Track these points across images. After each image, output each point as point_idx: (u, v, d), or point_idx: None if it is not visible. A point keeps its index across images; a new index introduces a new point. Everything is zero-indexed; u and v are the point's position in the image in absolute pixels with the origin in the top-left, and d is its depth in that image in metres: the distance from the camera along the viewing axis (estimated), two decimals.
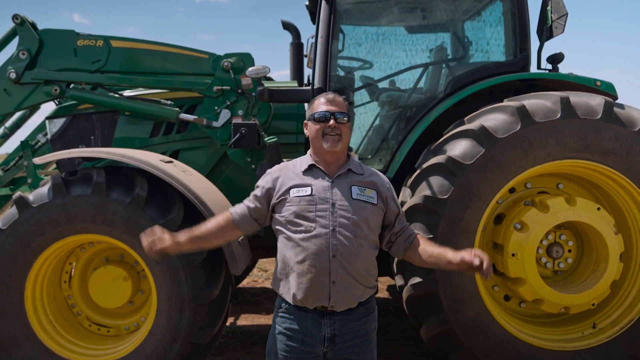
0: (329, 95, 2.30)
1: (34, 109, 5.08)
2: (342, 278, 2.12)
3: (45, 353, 3.35)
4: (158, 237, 2.22)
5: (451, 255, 2.19)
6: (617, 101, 3.52)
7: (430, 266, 2.34)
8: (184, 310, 3.23)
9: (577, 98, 3.37)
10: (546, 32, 4.01)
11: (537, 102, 3.35)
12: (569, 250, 3.55)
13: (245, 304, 5.62)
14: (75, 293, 3.63)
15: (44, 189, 3.29)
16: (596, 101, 3.35)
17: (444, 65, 4.33)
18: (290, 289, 2.19)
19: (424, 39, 4.48)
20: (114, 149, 3.66)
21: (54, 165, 5.50)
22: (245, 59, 4.10)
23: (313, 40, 4.46)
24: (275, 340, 2.25)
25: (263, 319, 5.23)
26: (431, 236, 3.25)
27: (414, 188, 3.41)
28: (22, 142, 4.98)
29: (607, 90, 3.72)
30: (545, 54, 4.13)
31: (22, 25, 3.98)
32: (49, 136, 4.48)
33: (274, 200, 2.25)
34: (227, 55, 4.12)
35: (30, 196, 3.28)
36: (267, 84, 4.26)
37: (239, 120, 4.04)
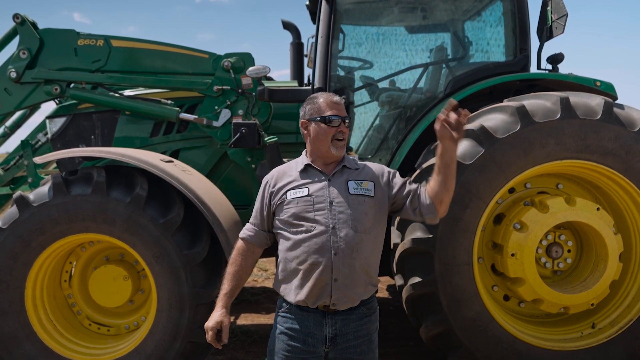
0: (335, 97, 2.28)
1: (34, 108, 5.10)
2: (344, 275, 2.12)
3: (46, 352, 3.35)
4: (222, 329, 2.27)
5: (437, 151, 2.20)
6: (617, 101, 3.53)
7: (448, 179, 2.21)
8: (184, 310, 3.24)
9: (576, 98, 3.37)
10: (546, 33, 4.02)
11: (537, 103, 3.35)
12: (569, 251, 3.56)
13: (245, 304, 5.63)
14: (75, 292, 3.63)
15: (44, 188, 3.29)
16: (596, 101, 3.35)
17: (444, 65, 4.33)
18: (292, 289, 2.20)
19: (424, 39, 4.48)
20: (114, 149, 3.67)
21: (54, 165, 5.51)
22: (246, 59, 4.11)
23: (313, 40, 4.46)
24: (276, 340, 2.25)
25: (263, 319, 5.23)
26: (430, 236, 3.26)
27: None
28: (22, 141, 4.98)
29: (606, 90, 3.72)
30: (545, 54, 4.13)
31: (22, 25, 3.99)
32: (49, 135, 4.49)
33: (273, 205, 2.27)
34: (228, 55, 4.13)
35: (31, 195, 3.29)
36: (267, 84, 4.26)
37: (239, 120, 4.05)
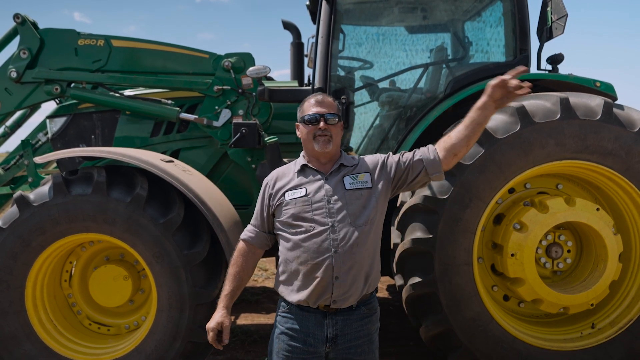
0: (318, 96, 2.31)
1: (34, 108, 5.10)
2: (344, 272, 2.13)
3: (46, 352, 3.35)
4: (223, 330, 2.27)
5: (477, 104, 2.20)
6: (616, 102, 3.53)
7: (472, 137, 2.22)
8: (184, 309, 3.24)
9: (576, 99, 3.38)
10: (546, 33, 4.02)
11: (537, 103, 3.36)
12: (568, 251, 3.56)
13: (245, 304, 5.63)
14: (75, 292, 3.63)
15: (44, 188, 3.29)
16: (595, 102, 3.36)
17: (444, 66, 4.33)
18: (293, 290, 2.21)
19: (424, 39, 4.49)
20: (115, 149, 3.67)
21: (55, 165, 5.51)
22: (246, 59, 4.11)
23: (313, 40, 4.47)
24: (277, 340, 2.25)
25: (263, 318, 5.23)
26: (430, 236, 3.26)
27: None
28: (22, 141, 4.99)
29: (606, 91, 3.72)
30: (545, 54, 4.13)
31: (23, 25, 3.99)
32: (49, 135, 4.49)
33: (272, 207, 2.28)
34: (228, 55, 4.13)
35: (31, 195, 3.29)
36: (267, 84, 4.27)
37: (240, 120, 4.05)
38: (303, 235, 2.17)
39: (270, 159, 3.87)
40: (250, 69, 3.87)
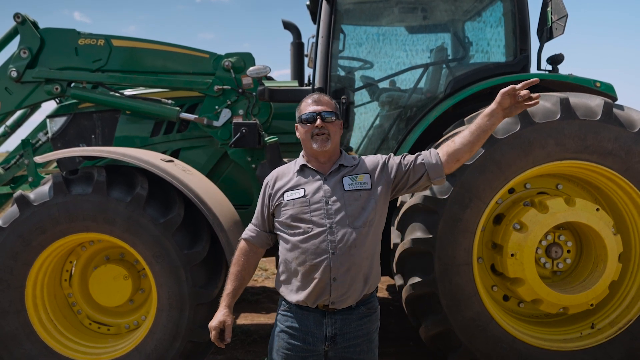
0: (315, 95, 2.31)
1: (34, 107, 5.09)
2: (343, 273, 2.13)
3: (46, 351, 3.36)
4: (225, 329, 2.26)
5: (486, 111, 2.20)
6: (616, 102, 3.53)
7: (477, 144, 2.24)
8: (184, 309, 3.25)
9: (576, 99, 3.38)
10: (546, 33, 4.02)
11: None
12: (568, 251, 3.56)
13: (245, 303, 5.63)
14: (75, 291, 3.63)
15: (44, 188, 3.29)
16: (595, 102, 3.36)
17: (444, 66, 4.33)
18: (292, 290, 2.21)
19: (424, 39, 4.49)
20: (115, 148, 3.67)
21: (55, 164, 5.51)
22: (246, 59, 4.11)
23: (314, 40, 4.47)
24: (276, 338, 2.26)
25: (263, 318, 5.24)
26: (430, 236, 3.26)
27: None
28: (22, 140, 4.98)
29: (606, 91, 3.73)
30: (545, 54, 4.13)
31: (23, 24, 3.99)
32: (49, 135, 4.49)
33: (272, 207, 2.28)
34: (228, 55, 4.13)
35: (31, 195, 3.29)
36: (267, 84, 4.27)
37: (240, 120, 4.05)
38: (301, 237, 2.17)
39: (270, 158, 3.87)
40: (251, 68, 3.87)
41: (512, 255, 3.33)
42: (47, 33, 4.04)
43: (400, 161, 2.31)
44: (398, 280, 3.53)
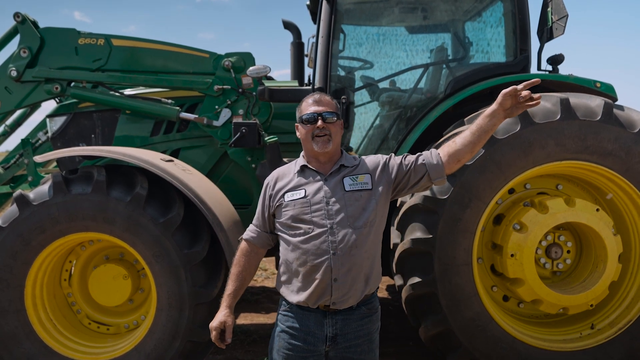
0: (316, 95, 2.29)
1: (34, 107, 5.09)
2: (344, 273, 2.13)
3: (45, 351, 3.36)
4: (226, 329, 2.27)
5: (487, 111, 2.19)
6: (616, 102, 3.53)
7: (477, 144, 2.24)
8: (183, 309, 3.24)
9: (576, 99, 3.38)
10: (546, 34, 4.02)
11: None
12: (568, 251, 3.56)
13: (244, 303, 5.63)
14: (75, 291, 3.63)
15: (44, 187, 3.29)
16: (596, 102, 3.36)
17: (444, 66, 4.33)
18: (292, 290, 2.21)
19: (424, 39, 4.49)
20: (115, 148, 3.67)
21: (55, 164, 5.51)
22: (246, 58, 4.11)
23: (314, 39, 4.47)
24: (277, 338, 2.26)
25: (262, 318, 5.23)
26: (430, 236, 3.26)
27: None
28: (22, 140, 4.98)
29: (606, 91, 3.73)
30: (545, 54, 4.13)
31: (23, 24, 3.99)
32: (49, 134, 4.49)
33: (272, 208, 2.28)
34: (228, 55, 4.13)
35: (31, 194, 3.29)
36: (267, 84, 4.27)
37: (240, 120, 4.05)
38: (302, 237, 2.16)
39: (270, 158, 3.87)
40: (251, 68, 3.86)
41: (512, 255, 3.33)
42: (47, 32, 4.03)
43: (401, 161, 2.30)
44: (398, 281, 3.53)
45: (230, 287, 2.31)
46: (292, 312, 2.22)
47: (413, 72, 4.29)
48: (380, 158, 2.32)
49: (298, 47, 4.61)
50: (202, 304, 3.27)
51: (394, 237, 3.49)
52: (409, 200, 3.39)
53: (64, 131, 4.35)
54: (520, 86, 2.18)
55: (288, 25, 4.58)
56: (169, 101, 4.22)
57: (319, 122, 2.20)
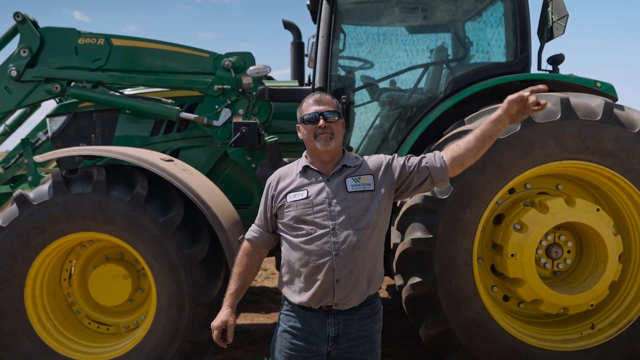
0: (316, 95, 2.28)
1: (34, 106, 5.09)
2: (346, 274, 2.12)
3: (45, 351, 3.36)
4: (227, 329, 2.26)
5: (492, 117, 2.17)
6: (617, 102, 3.53)
7: (482, 149, 2.22)
8: (183, 309, 3.24)
9: (577, 99, 3.37)
10: (547, 33, 4.01)
11: None
12: (568, 251, 3.56)
13: (244, 303, 5.62)
14: (75, 291, 3.63)
15: (44, 187, 3.29)
16: (596, 102, 3.36)
17: (444, 66, 4.33)
18: (295, 291, 2.20)
19: (424, 39, 4.49)
20: (115, 148, 3.67)
21: (55, 163, 5.51)
22: (246, 58, 4.11)
23: (314, 39, 4.46)
24: (279, 337, 2.26)
25: (262, 318, 5.23)
26: (430, 236, 3.26)
27: None
28: (22, 139, 4.98)
29: (607, 91, 3.73)
30: (545, 54, 4.13)
31: (23, 23, 3.99)
32: (49, 134, 4.49)
33: (275, 208, 2.28)
34: (228, 54, 4.13)
35: (31, 194, 3.29)
36: (267, 83, 4.27)
37: (240, 120, 4.05)
38: (304, 238, 2.16)
39: (270, 158, 3.87)
40: (251, 68, 3.86)
41: (512, 255, 3.33)
42: (47, 32, 4.03)
43: (404, 163, 2.29)
44: (398, 281, 3.53)
45: (232, 287, 2.31)
46: (295, 312, 2.22)
47: (413, 72, 4.29)
48: (383, 158, 2.31)
49: (298, 47, 4.60)
50: (202, 304, 3.26)
51: (394, 237, 3.49)
52: (409, 201, 3.39)
53: (64, 131, 4.35)
54: (526, 92, 2.15)
55: (288, 25, 4.58)
56: (169, 101, 4.21)
57: (321, 122, 2.19)
